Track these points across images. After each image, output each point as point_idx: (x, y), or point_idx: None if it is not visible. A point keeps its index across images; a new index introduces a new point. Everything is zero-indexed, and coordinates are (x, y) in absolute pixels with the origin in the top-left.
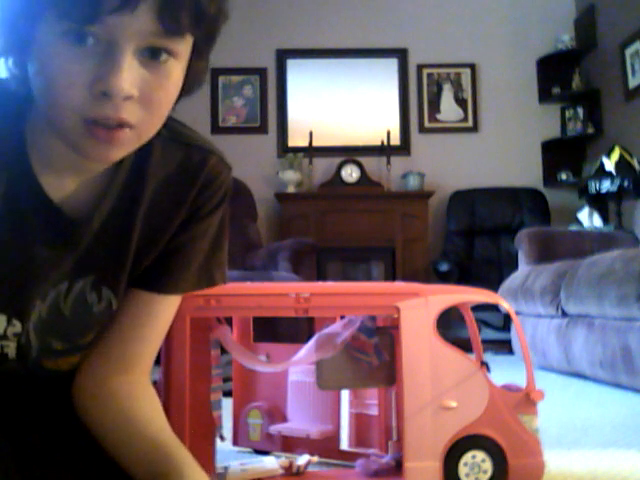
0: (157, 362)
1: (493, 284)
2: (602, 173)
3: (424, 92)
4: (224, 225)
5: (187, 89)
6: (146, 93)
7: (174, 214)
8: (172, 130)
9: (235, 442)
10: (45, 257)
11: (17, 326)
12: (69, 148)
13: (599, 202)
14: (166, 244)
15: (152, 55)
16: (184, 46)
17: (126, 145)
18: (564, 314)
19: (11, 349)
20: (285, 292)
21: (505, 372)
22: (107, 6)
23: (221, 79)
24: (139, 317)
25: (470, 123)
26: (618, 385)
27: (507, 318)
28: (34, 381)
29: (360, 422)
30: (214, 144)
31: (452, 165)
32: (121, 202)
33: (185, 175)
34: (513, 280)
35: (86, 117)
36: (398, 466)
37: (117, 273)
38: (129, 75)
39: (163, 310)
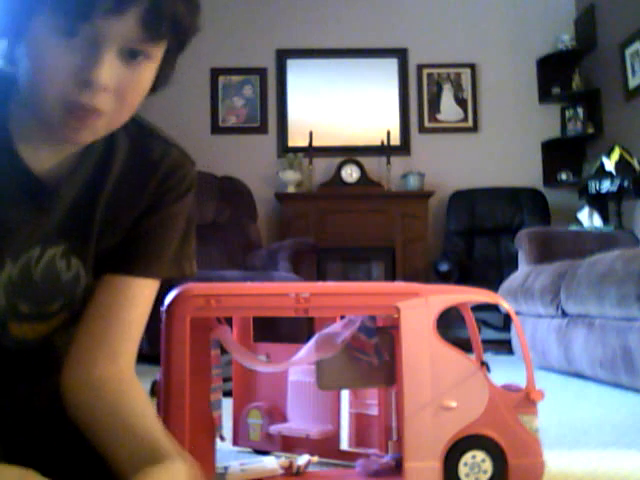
0: (157, 362)
1: (493, 284)
2: (602, 173)
3: (424, 92)
4: (192, 221)
5: (154, 88)
6: (121, 87)
7: (136, 197)
8: (139, 124)
9: (235, 442)
10: (17, 218)
11: None
12: (45, 128)
13: (599, 202)
14: (136, 226)
15: (130, 55)
16: (158, 51)
17: (96, 130)
18: (564, 314)
19: None
20: (285, 292)
21: (505, 372)
22: (99, 9)
23: (221, 79)
24: (117, 301)
25: (470, 123)
26: (618, 385)
27: (507, 318)
28: (6, 356)
29: (360, 422)
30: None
31: (452, 165)
32: (90, 179)
33: (148, 163)
34: (513, 280)
35: (66, 101)
36: (398, 466)
37: (85, 245)
38: (109, 70)
39: (140, 294)
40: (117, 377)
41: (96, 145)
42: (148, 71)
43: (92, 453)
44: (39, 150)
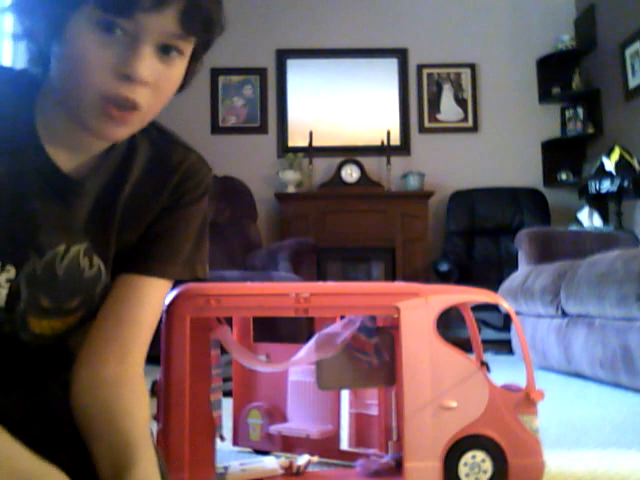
0: (157, 362)
1: (493, 284)
2: (602, 173)
3: (424, 92)
4: (205, 225)
5: (181, 87)
6: (157, 82)
7: (154, 199)
8: (160, 130)
9: (235, 442)
10: (43, 213)
11: (11, 272)
12: (79, 126)
13: (599, 202)
14: (152, 227)
15: (164, 51)
16: (189, 47)
17: (132, 126)
18: (564, 314)
19: (2, 295)
20: (285, 292)
21: (505, 372)
22: (140, 5)
23: (221, 79)
24: (128, 300)
25: (470, 123)
26: (618, 385)
27: (507, 318)
28: (20, 350)
29: (360, 422)
30: (206, 153)
31: (452, 165)
32: (112, 180)
33: (167, 166)
34: (513, 280)
35: (105, 95)
36: (398, 466)
37: (105, 243)
38: (147, 63)
39: (151, 294)
40: (121, 377)
41: (118, 147)
42: (180, 67)
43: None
44: (64, 149)
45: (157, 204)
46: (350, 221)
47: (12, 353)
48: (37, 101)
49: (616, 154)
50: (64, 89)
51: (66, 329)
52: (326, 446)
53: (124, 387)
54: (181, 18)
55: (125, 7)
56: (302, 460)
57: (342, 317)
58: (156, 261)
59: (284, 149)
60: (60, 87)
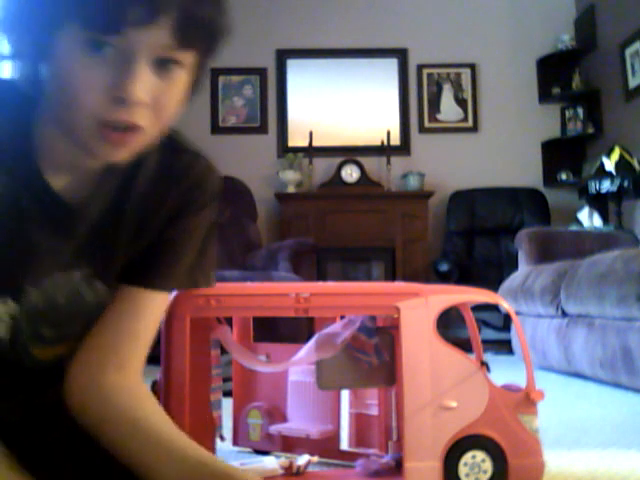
0: (157, 362)
1: (493, 284)
2: (602, 173)
3: (424, 92)
4: (211, 233)
5: (189, 96)
6: (157, 99)
7: (161, 209)
8: (169, 137)
9: (235, 442)
10: (42, 242)
11: (11, 306)
12: (78, 148)
13: (599, 202)
14: (156, 238)
15: (162, 65)
16: (190, 57)
17: (133, 147)
18: (564, 314)
19: (3, 329)
20: (285, 292)
21: (505, 372)
22: (129, 20)
23: (221, 79)
24: (129, 311)
25: (470, 123)
26: (618, 385)
27: (507, 318)
28: (22, 371)
29: (360, 422)
30: (206, 153)
31: (452, 165)
32: (115, 199)
33: (174, 174)
34: (513, 280)
35: (101, 120)
36: (398, 466)
37: (108, 267)
38: (143, 83)
39: (152, 306)
40: (127, 387)
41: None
42: (181, 80)
43: (83, 459)
44: (64, 171)
45: (165, 211)
46: (350, 221)
47: (14, 374)
48: (35, 119)
49: (616, 154)
50: (58, 110)
51: (69, 353)
52: (326, 446)
53: (135, 399)
54: (175, 29)
55: (112, 23)
56: (302, 460)
57: (342, 317)
58: (159, 276)
59: (284, 149)
60: (54, 108)
